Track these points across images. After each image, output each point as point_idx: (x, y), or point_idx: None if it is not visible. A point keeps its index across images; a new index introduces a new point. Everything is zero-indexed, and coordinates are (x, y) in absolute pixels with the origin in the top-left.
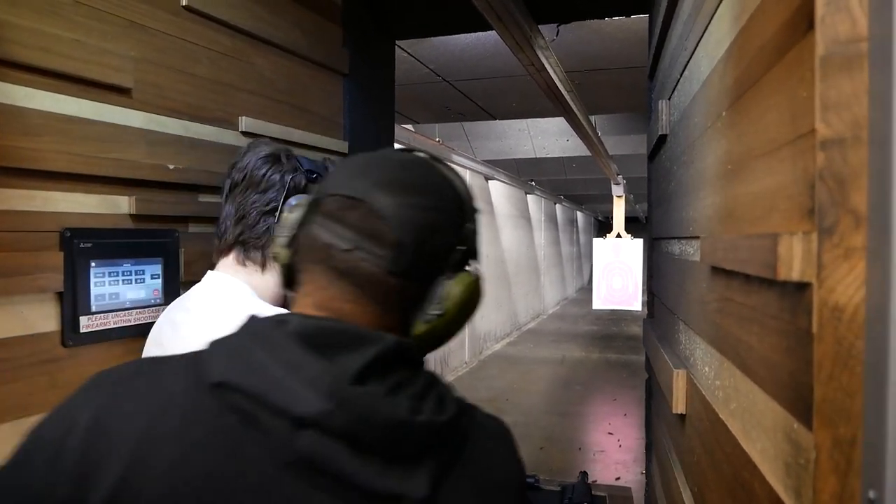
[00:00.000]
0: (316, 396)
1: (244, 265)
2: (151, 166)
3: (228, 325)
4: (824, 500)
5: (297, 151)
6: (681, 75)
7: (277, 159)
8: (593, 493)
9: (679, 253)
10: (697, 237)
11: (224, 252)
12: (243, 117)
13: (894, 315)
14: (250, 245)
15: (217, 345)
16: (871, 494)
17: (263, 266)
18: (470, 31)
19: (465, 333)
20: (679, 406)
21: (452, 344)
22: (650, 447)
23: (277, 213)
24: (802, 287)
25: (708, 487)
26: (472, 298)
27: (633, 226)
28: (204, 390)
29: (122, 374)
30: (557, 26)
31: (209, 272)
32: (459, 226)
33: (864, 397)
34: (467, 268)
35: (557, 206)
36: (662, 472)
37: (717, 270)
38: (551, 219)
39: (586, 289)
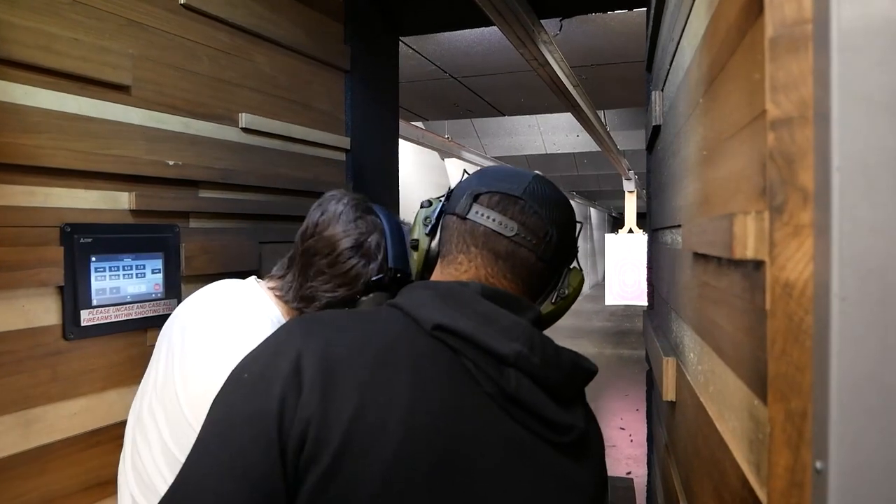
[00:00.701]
0: (513, 341)
1: (286, 309)
2: (151, 162)
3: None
4: (779, 472)
5: (298, 148)
6: (670, 65)
7: (367, 251)
8: None
9: (670, 242)
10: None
11: (277, 290)
12: (243, 113)
13: (835, 289)
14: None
15: (411, 300)
16: (818, 465)
17: None
18: (472, 27)
19: None
20: (669, 394)
21: None
22: (651, 438)
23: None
24: (758, 265)
25: (693, 473)
26: (580, 288)
27: (645, 221)
28: (421, 332)
29: (331, 318)
30: (560, 21)
31: (254, 279)
32: (576, 232)
33: (813, 371)
34: (575, 265)
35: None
36: (659, 462)
37: (697, 256)
38: None
39: (600, 285)
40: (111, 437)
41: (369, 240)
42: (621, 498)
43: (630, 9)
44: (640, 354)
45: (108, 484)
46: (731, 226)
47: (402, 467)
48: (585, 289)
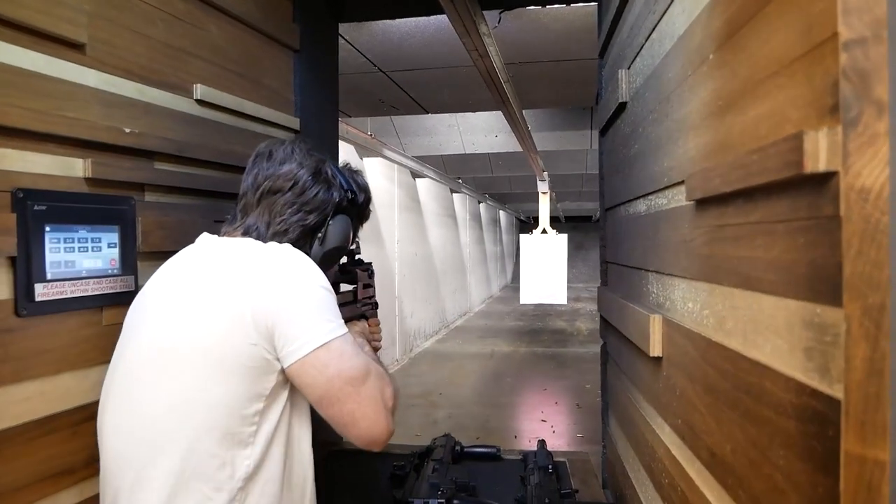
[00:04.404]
0: None
1: None
2: (107, 128)
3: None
4: (856, 365)
5: (249, 125)
6: (646, 40)
7: (326, 178)
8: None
9: (646, 209)
10: (674, 185)
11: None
12: (198, 85)
13: None
14: None
15: None
16: None
17: None
18: (416, 15)
19: (396, 331)
20: (656, 349)
21: (383, 342)
22: (607, 409)
23: (323, 232)
24: (825, 178)
25: (697, 412)
26: None
27: (553, 224)
28: None
29: None
30: (500, 13)
31: (205, 234)
32: None
33: (892, 267)
34: None
35: (481, 204)
36: (626, 427)
37: (705, 204)
38: (475, 218)
39: (510, 287)
40: (67, 423)
41: (324, 168)
42: (581, 470)
43: (569, 3)
44: (554, 351)
45: (64, 475)
46: (800, 144)
47: None
48: (496, 291)
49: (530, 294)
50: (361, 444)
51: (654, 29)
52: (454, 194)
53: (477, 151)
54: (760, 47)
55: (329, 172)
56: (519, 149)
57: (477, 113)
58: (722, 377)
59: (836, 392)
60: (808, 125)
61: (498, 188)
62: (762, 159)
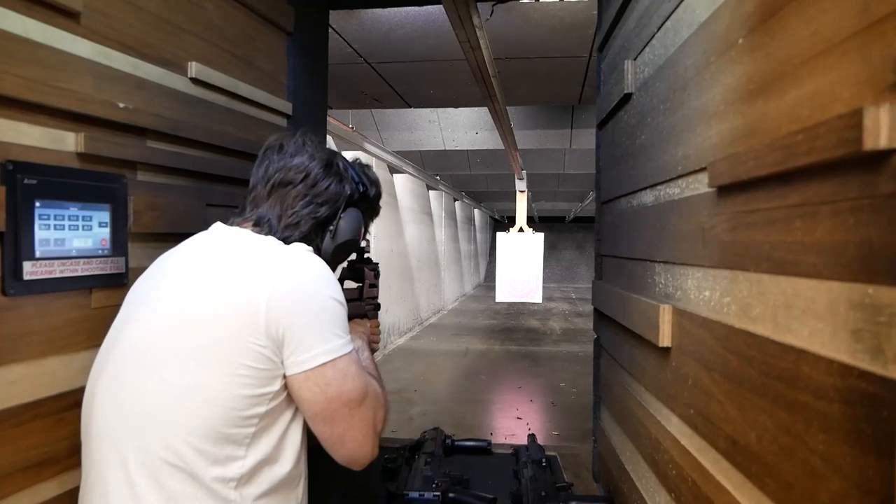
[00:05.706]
0: None
1: None
2: (100, 102)
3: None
4: None
5: (243, 108)
6: (658, 29)
7: (338, 171)
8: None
9: (654, 200)
10: (689, 173)
11: (255, 229)
12: (193, 63)
13: None
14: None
15: None
16: None
17: None
18: (409, 4)
19: None
20: (665, 340)
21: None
22: (599, 403)
23: (334, 225)
24: (884, 156)
25: (714, 401)
26: None
27: (528, 224)
28: None
29: None
30: (492, 5)
31: (218, 223)
32: None
33: None
34: None
35: (457, 202)
36: (623, 420)
37: (729, 190)
38: (451, 215)
39: (483, 286)
40: (52, 410)
41: (336, 161)
42: (572, 464)
43: None
44: (528, 350)
45: (47, 465)
46: (859, 120)
47: None
48: (469, 289)
49: (505, 293)
50: (342, 463)
51: (668, 17)
52: (431, 191)
53: (458, 148)
54: (803, 28)
55: (340, 165)
56: (499, 146)
57: (458, 109)
58: (747, 364)
59: (892, 373)
60: (862, 104)
61: (475, 186)
62: (810, 139)
